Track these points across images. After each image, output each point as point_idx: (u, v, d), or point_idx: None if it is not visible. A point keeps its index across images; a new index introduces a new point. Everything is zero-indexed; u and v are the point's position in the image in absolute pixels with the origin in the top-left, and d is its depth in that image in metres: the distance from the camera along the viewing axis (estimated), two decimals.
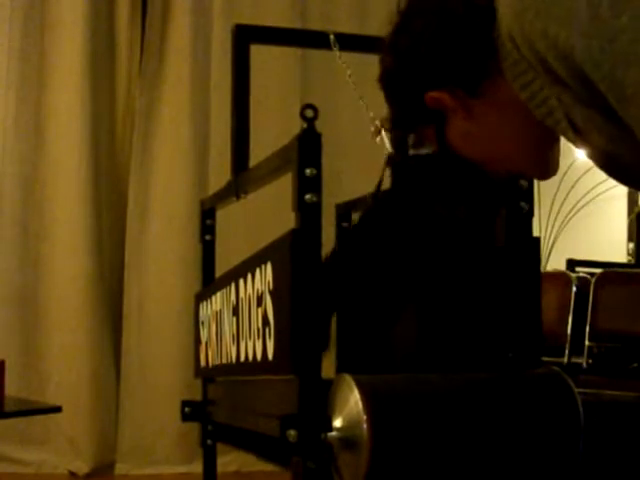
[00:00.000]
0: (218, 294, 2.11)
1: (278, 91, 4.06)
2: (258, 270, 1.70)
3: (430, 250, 1.80)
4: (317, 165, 1.50)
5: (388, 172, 1.68)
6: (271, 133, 3.21)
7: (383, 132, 1.66)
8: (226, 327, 2.00)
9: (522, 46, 0.90)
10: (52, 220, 3.97)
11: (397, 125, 1.16)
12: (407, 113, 1.11)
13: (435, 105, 1.05)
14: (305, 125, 1.51)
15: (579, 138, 0.96)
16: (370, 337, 1.73)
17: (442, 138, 1.08)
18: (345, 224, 2.22)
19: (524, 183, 1.60)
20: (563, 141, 1.10)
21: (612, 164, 0.99)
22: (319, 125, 1.52)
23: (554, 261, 4.67)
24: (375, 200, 1.65)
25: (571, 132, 0.96)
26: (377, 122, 1.62)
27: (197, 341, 2.39)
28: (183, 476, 3.88)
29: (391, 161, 1.59)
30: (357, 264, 1.78)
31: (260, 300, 1.68)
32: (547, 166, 1.09)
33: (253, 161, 2.10)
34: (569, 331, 3.66)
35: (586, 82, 0.85)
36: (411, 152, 1.15)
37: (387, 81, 1.11)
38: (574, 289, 3.74)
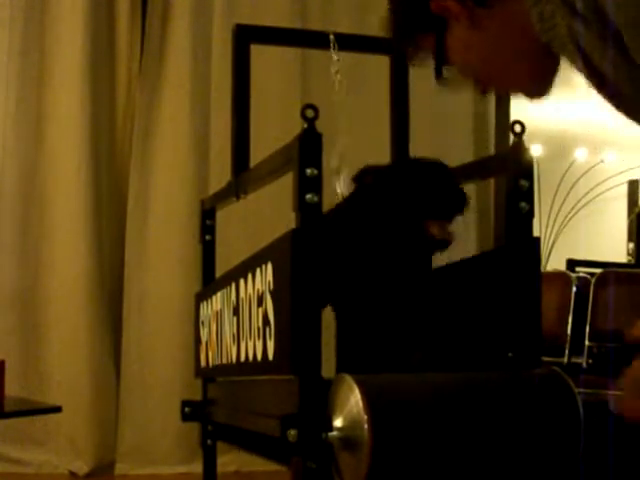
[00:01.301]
0: (218, 294, 2.11)
1: (278, 91, 4.06)
2: (258, 270, 1.70)
3: (426, 250, 1.80)
4: (318, 165, 1.50)
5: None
6: (271, 133, 3.20)
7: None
8: (226, 327, 2.00)
9: None
10: (52, 220, 3.97)
11: (397, 37, 1.14)
12: (409, 21, 1.09)
13: (440, 11, 1.03)
14: (306, 125, 1.51)
15: (585, 64, 0.95)
16: (368, 336, 1.73)
17: (441, 46, 1.06)
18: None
19: (524, 183, 1.60)
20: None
21: (614, 92, 0.98)
22: (319, 125, 1.52)
23: (554, 261, 4.67)
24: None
25: (578, 56, 0.95)
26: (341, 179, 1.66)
27: (197, 341, 2.39)
28: (183, 476, 3.88)
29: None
30: (353, 261, 1.78)
31: (260, 300, 1.68)
32: (544, 87, 1.07)
33: (253, 161, 2.10)
34: (569, 331, 3.65)
35: (603, 19, 0.84)
36: None
37: None
38: (574, 289, 3.73)
